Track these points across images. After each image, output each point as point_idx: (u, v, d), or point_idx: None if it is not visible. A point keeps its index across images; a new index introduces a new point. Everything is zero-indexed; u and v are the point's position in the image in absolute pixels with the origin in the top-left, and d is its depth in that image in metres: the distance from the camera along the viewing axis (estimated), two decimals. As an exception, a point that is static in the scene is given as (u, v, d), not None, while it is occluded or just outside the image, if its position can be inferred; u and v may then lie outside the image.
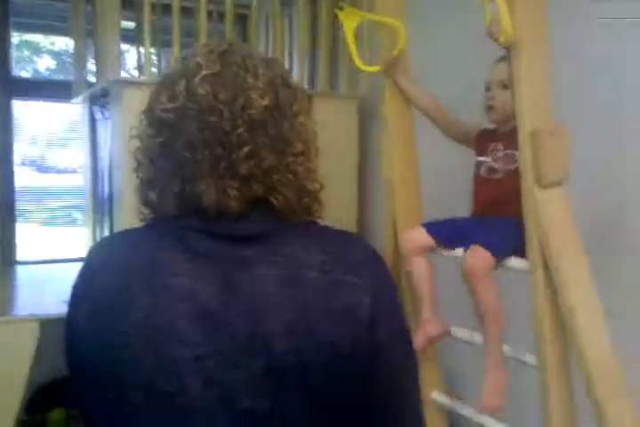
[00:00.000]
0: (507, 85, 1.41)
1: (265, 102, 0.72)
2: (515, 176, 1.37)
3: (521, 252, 1.32)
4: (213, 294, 0.69)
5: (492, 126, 1.54)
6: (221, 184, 0.71)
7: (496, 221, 1.44)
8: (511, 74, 1.22)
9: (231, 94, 0.71)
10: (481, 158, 1.51)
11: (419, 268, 1.53)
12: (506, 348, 1.39)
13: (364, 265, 0.75)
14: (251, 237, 0.72)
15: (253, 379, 0.67)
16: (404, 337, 0.78)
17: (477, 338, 1.45)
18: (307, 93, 0.84)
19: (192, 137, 0.71)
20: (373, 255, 0.79)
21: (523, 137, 1.22)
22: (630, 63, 1.57)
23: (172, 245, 0.72)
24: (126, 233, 0.81)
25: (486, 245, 1.36)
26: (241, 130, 0.71)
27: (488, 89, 1.49)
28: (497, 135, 1.50)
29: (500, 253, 1.37)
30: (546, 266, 1.22)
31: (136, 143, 0.78)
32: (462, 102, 1.67)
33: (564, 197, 1.26)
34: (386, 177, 1.67)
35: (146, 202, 0.78)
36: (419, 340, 1.47)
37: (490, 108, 1.48)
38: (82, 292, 0.73)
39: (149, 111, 0.76)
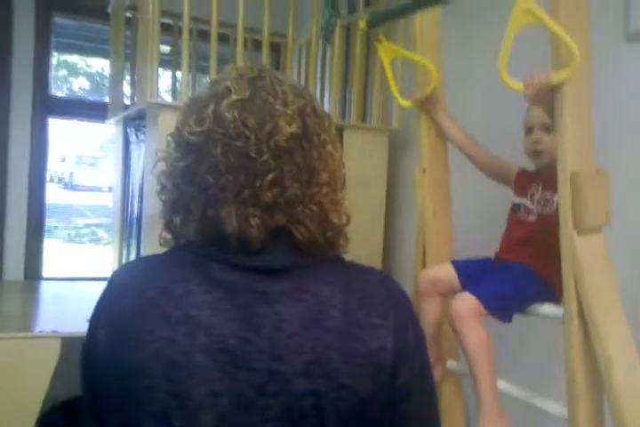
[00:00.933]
0: (549, 128, 1.39)
1: (292, 130, 0.72)
2: (549, 219, 1.35)
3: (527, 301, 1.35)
4: (233, 329, 0.67)
5: (533, 168, 1.52)
6: (243, 211, 0.70)
7: (504, 267, 1.43)
8: (554, 116, 1.21)
9: (258, 120, 0.71)
10: (518, 200, 1.49)
11: (429, 308, 1.51)
12: (536, 399, 1.34)
13: (387, 305, 0.73)
14: (274, 271, 0.71)
15: (268, 420, 0.66)
16: (426, 378, 0.76)
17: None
18: (335, 123, 0.83)
19: (216, 161, 0.71)
20: (398, 294, 0.77)
21: (563, 180, 1.20)
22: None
23: (191, 274, 0.70)
24: (147, 259, 0.80)
25: (475, 292, 1.35)
26: (266, 156, 0.70)
27: (529, 132, 1.47)
28: (538, 177, 1.47)
29: (491, 301, 1.34)
30: (581, 315, 1.18)
31: (161, 166, 0.77)
32: (501, 137, 1.66)
33: (603, 243, 1.23)
34: (418, 211, 1.65)
35: (168, 226, 0.77)
36: None
37: (537, 154, 1.45)
38: (102, 315, 0.72)
39: (177, 134, 0.76)
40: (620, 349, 1.15)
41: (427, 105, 1.58)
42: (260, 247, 0.70)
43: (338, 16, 1.96)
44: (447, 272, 1.50)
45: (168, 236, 0.78)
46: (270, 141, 0.70)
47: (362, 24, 1.54)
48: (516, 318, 1.39)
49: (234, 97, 0.72)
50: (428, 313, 1.51)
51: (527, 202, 1.46)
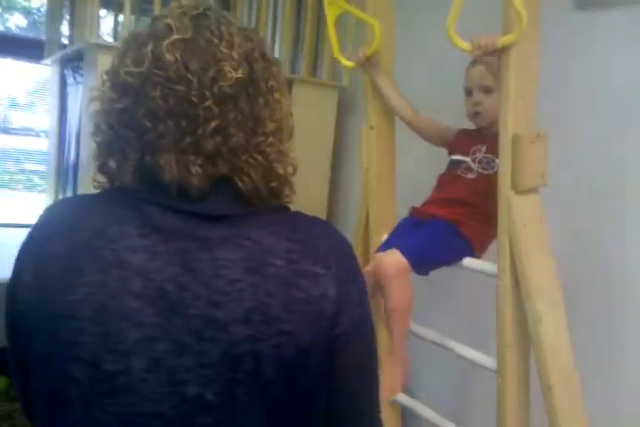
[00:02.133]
0: (490, 89, 1.40)
1: (238, 75, 0.68)
2: (487, 180, 1.38)
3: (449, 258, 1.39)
4: (171, 274, 0.65)
5: (473, 127, 1.54)
6: (184, 159, 0.67)
7: (430, 225, 1.45)
8: (498, 79, 1.22)
9: (202, 63, 0.67)
10: (459, 157, 1.51)
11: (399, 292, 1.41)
12: (465, 350, 1.39)
13: (332, 255, 0.73)
14: (216, 217, 0.69)
15: (204, 365, 0.65)
16: (366, 329, 0.76)
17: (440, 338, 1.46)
18: (284, 75, 0.80)
19: (155, 105, 0.67)
20: (343, 245, 0.76)
21: (504, 141, 1.22)
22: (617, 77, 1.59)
23: (127, 217, 0.67)
24: (80, 198, 0.76)
25: (400, 247, 1.37)
26: (209, 102, 0.67)
27: (469, 93, 1.48)
28: (481, 137, 1.50)
29: (412, 255, 1.37)
30: (514, 271, 1.23)
31: (96, 106, 0.72)
32: (445, 104, 1.67)
33: (538, 204, 1.27)
34: (363, 171, 1.65)
35: (102, 169, 0.73)
36: (398, 381, 1.46)
37: (476, 114, 1.47)
38: (28, 256, 0.68)
39: (113, 73, 0.71)
40: (548, 305, 1.21)
41: (367, 66, 1.56)
42: (201, 195, 0.68)
43: None
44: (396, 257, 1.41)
45: (102, 179, 0.74)
46: (214, 87, 0.67)
47: None
48: (451, 271, 1.43)
49: (175, 36, 0.67)
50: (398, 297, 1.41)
51: (468, 160, 1.48)
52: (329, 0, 1.51)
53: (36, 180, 3.60)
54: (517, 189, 1.22)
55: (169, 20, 0.69)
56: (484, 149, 1.46)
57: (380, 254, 1.42)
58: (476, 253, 1.44)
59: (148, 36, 0.69)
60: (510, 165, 1.22)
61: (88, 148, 2.05)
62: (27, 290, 0.66)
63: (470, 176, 1.47)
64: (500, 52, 1.18)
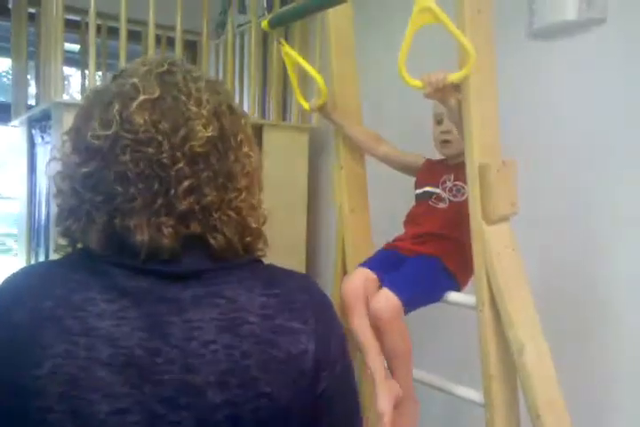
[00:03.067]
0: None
1: (208, 133, 0.67)
2: (459, 208, 1.37)
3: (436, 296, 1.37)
4: (140, 339, 0.62)
5: (440, 157, 1.55)
6: (156, 221, 0.65)
7: (417, 262, 1.43)
8: (453, 112, 1.23)
9: (171, 124, 0.66)
10: (429, 189, 1.50)
11: (363, 325, 1.39)
12: (452, 386, 1.36)
13: (309, 309, 0.70)
14: (185, 276, 0.66)
15: None
16: (348, 384, 0.74)
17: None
18: (255, 122, 0.79)
19: (125, 169, 0.65)
20: (320, 298, 0.74)
21: (471, 172, 1.22)
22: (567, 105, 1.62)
23: (91, 282, 0.64)
24: (43, 265, 0.73)
25: (396, 290, 1.34)
26: (181, 164, 0.65)
27: (439, 122, 1.49)
28: (448, 167, 1.50)
29: (406, 297, 1.34)
30: (493, 302, 1.21)
31: (57, 167, 0.70)
32: (415, 131, 1.68)
33: (511, 232, 1.26)
34: (337, 209, 1.65)
35: (65, 233, 0.70)
36: (386, 405, 1.33)
37: (445, 143, 1.48)
38: None
39: (76, 134, 0.69)
40: (529, 334, 1.19)
41: (322, 112, 1.61)
42: (172, 256, 0.65)
43: (226, 13, 1.96)
44: (365, 277, 1.44)
45: (64, 242, 0.71)
46: (185, 147, 0.65)
47: (263, 24, 1.54)
48: (430, 306, 1.40)
49: (142, 97, 0.66)
50: (365, 332, 1.38)
51: (438, 190, 1.47)
52: (284, 51, 1.55)
53: (10, 243, 3.56)
54: (488, 219, 1.22)
55: (135, 80, 0.67)
56: (452, 177, 1.46)
57: (374, 298, 1.37)
58: (458, 283, 1.42)
59: (113, 95, 0.67)
60: (479, 195, 1.22)
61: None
62: None
63: (442, 206, 1.46)
64: (452, 87, 1.19)
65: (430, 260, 1.42)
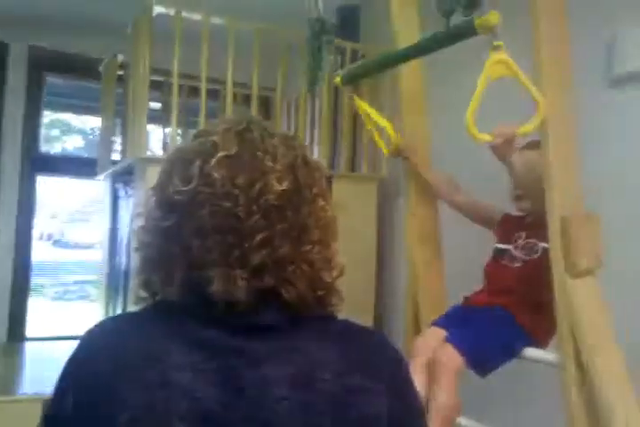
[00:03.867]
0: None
1: (283, 187, 0.68)
2: (533, 266, 1.34)
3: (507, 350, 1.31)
4: (216, 394, 0.62)
5: (517, 213, 1.52)
6: (231, 273, 0.66)
7: (484, 314, 1.39)
8: (540, 160, 1.21)
9: (248, 179, 0.67)
10: (503, 246, 1.48)
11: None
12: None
13: (382, 368, 0.69)
14: (260, 329, 0.66)
15: None
16: None
17: None
18: (326, 173, 0.80)
19: (203, 222, 0.66)
20: (393, 356, 0.73)
21: (553, 224, 1.19)
22: None
23: (170, 333, 0.65)
24: (123, 317, 0.76)
25: (458, 345, 1.31)
26: (257, 217, 0.66)
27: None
28: (521, 224, 1.47)
29: (473, 356, 1.30)
30: (578, 359, 1.15)
31: (140, 222, 0.73)
32: (490, 187, 1.66)
33: (597, 286, 1.20)
34: (409, 259, 1.63)
35: (145, 285, 0.72)
36: None
37: (518, 197, 1.45)
38: (70, 380, 0.67)
39: (160, 190, 0.71)
40: (619, 394, 1.11)
41: (401, 154, 1.62)
42: (247, 308, 0.66)
43: (320, 70, 2.02)
44: (437, 336, 1.40)
45: (144, 294, 0.73)
46: (260, 200, 0.67)
47: (337, 80, 1.58)
48: (508, 364, 1.34)
49: (221, 153, 0.68)
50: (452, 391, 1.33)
51: (511, 248, 1.44)
52: (357, 105, 1.58)
53: (90, 290, 3.70)
54: (572, 271, 1.17)
55: (214, 138, 0.70)
56: (523, 235, 1.43)
57: (438, 351, 1.34)
58: (535, 341, 1.35)
59: (194, 153, 0.70)
60: (561, 248, 1.18)
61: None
62: (67, 417, 0.64)
63: (516, 265, 1.43)
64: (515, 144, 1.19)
65: (495, 310, 1.38)
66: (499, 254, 1.48)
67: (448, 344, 1.33)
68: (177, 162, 0.71)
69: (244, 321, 0.66)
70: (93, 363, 0.65)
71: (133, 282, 0.75)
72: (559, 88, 1.18)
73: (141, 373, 0.63)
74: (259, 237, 0.66)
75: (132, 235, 0.76)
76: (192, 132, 0.79)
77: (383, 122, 1.55)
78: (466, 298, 1.51)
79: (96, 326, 0.73)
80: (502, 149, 1.21)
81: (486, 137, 1.18)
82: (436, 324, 1.46)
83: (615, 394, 1.11)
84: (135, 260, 0.75)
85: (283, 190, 0.68)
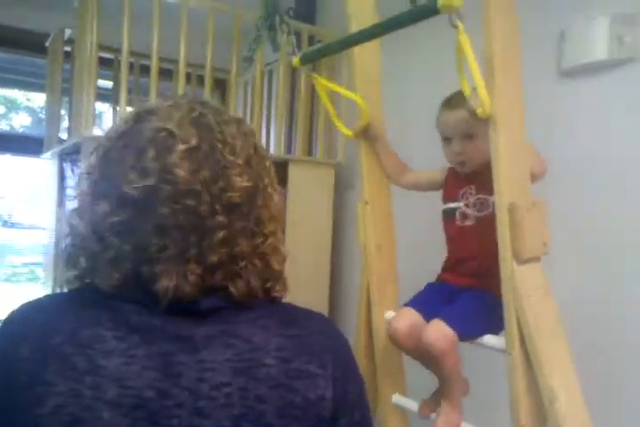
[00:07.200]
0: (471, 136, 1.37)
1: (244, 183, 0.66)
2: (488, 222, 1.29)
3: (494, 328, 1.28)
4: (150, 380, 0.59)
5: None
6: (182, 269, 0.63)
7: (468, 295, 1.38)
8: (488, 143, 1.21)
9: (210, 175, 0.64)
10: (453, 204, 1.45)
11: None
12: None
13: (327, 353, 0.68)
14: (200, 315, 0.64)
15: None
16: None
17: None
18: (281, 157, 0.78)
19: (162, 220, 0.63)
20: (339, 342, 0.72)
21: (500, 211, 1.19)
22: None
23: (101, 318, 0.62)
24: (52, 298, 0.71)
25: (450, 322, 1.30)
26: (219, 215, 0.64)
27: (448, 142, 1.42)
28: (469, 180, 1.43)
29: (465, 331, 1.30)
30: (524, 345, 1.16)
31: (73, 204, 0.69)
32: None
33: (542, 273, 1.22)
34: (361, 246, 1.62)
35: (80, 273, 0.68)
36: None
37: (462, 163, 1.42)
38: None
39: (103, 179, 0.66)
40: (561, 379, 1.13)
41: (367, 136, 1.57)
42: (190, 298, 0.64)
43: (254, 52, 2.03)
44: (410, 316, 1.39)
45: (74, 273, 0.69)
46: (223, 198, 0.64)
47: (295, 61, 1.55)
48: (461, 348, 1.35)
49: (182, 147, 0.64)
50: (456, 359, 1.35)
51: (462, 205, 1.42)
52: (318, 83, 1.55)
53: (40, 272, 3.60)
54: (519, 258, 1.18)
55: (169, 126, 0.65)
56: (473, 190, 1.40)
57: (426, 329, 1.32)
58: None
59: (145, 141, 0.65)
60: (509, 234, 1.18)
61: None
62: None
63: (469, 223, 1.41)
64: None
65: (481, 293, 1.37)
66: (449, 214, 1.46)
67: (437, 320, 1.30)
68: (124, 149, 0.66)
69: (182, 307, 0.63)
70: (18, 347, 0.61)
71: (63, 268, 0.70)
72: (510, 79, 1.17)
73: (69, 358, 0.59)
74: (219, 236, 0.64)
75: (65, 218, 0.71)
76: (130, 110, 0.74)
77: (351, 94, 1.51)
78: (438, 275, 1.51)
79: (25, 304, 0.68)
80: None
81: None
82: (407, 304, 1.44)
83: (557, 380, 1.13)
84: (65, 247, 0.70)
85: (244, 187, 0.66)
